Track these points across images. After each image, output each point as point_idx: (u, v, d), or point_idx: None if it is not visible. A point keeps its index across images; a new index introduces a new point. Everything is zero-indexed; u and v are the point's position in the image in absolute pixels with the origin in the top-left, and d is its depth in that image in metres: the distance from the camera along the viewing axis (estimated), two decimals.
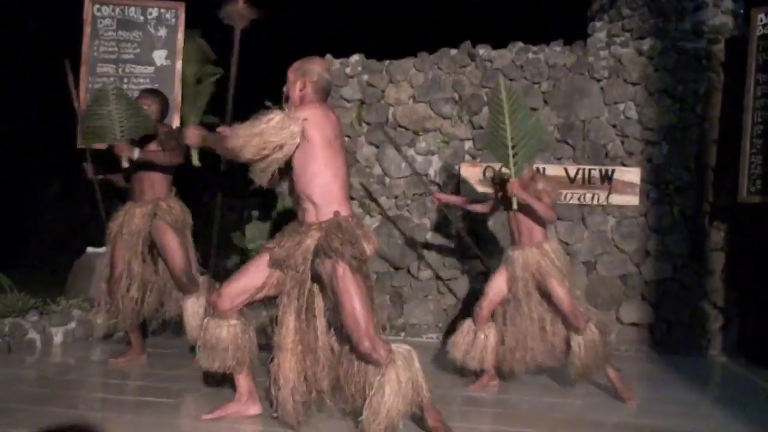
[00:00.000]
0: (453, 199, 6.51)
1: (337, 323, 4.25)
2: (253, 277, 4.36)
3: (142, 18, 7.37)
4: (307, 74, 4.36)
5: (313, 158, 4.16)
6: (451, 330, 7.42)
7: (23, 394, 4.93)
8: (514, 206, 5.34)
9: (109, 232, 6.10)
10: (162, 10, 7.38)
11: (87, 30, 7.34)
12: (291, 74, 4.40)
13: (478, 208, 6.09)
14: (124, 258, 6.02)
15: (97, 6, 7.34)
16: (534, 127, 5.29)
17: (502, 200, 5.65)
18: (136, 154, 5.80)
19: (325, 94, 4.42)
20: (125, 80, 7.32)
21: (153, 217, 5.98)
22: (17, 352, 6.26)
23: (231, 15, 6.60)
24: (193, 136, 4.52)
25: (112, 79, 7.27)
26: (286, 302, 4.27)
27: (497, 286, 5.57)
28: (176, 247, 5.99)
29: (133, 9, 7.35)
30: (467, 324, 5.66)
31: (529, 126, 5.25)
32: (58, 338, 6.68)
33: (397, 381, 4.02)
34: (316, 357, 4.30)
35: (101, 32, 7.36)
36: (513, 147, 5.21)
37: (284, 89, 4.44)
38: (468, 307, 7.41)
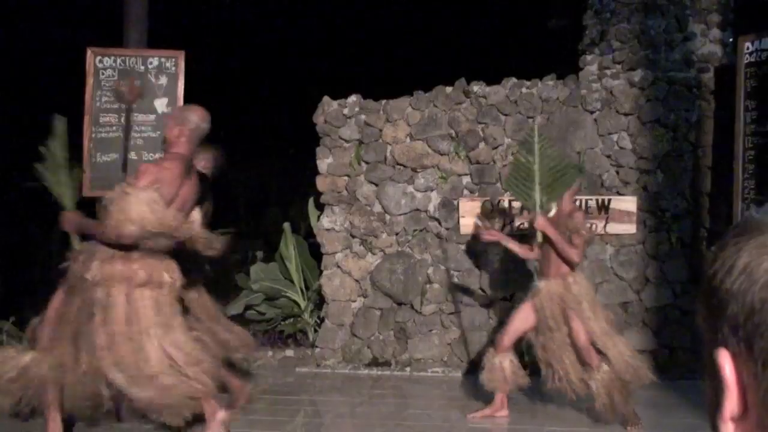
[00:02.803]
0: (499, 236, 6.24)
1: None
2: None
3: (143, 67, 7.50)
4: (185, 122, 4.59)
5: None
6: (451, 363, 7.49)
7: None
8: (538, 239, 5.49)
9: None
10: (162, 59, 7.51)
11: (90, 81, 7.46)
12: (170, 120, 4.71)
13: (520, 252, 5.96)
14: None
15: (99, 57, 7.49)
16: (565, 166, 5.54)
17: (530, 229, 5.79)
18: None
19: (199, 142, 4.74)
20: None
21: None
22: None
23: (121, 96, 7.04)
24: (68, 222, 4.81)
25: (115, 128, 7.41)
26: None
27: (522, 315, 5.71)
28: None
29: (134, 59, 7.49)
30: (489, 352, 5.85)
31: (560, 165, 5.48)
32: None
33: None
34: None
35: (103, 82, 7.49)
36: (540, 183, 5.41)
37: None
38: (474, 340, 7.49)
